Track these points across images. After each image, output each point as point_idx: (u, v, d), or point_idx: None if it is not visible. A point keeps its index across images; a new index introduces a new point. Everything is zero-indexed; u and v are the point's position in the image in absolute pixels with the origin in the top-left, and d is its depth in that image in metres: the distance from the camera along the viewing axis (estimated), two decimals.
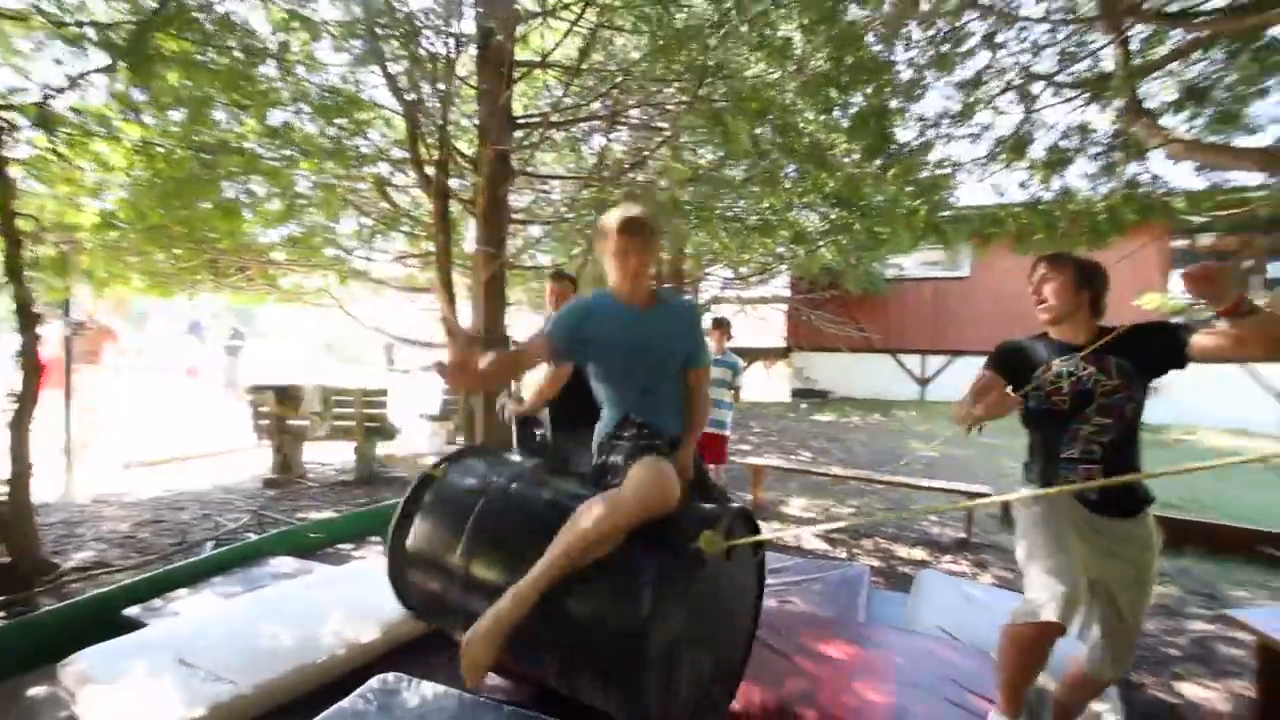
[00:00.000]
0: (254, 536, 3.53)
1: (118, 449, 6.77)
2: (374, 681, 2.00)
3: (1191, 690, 2.52)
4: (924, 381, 11.73)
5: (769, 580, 3.42)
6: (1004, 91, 4.05)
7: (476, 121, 5.99)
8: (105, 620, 2.52)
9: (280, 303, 7.74)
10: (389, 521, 1.97)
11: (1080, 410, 1.79)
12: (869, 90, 4.83)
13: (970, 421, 1.76)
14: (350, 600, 2.59)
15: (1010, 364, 1.89)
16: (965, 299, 11.28)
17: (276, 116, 4.29)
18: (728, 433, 4.77)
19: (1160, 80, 4.26)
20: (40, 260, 3.49)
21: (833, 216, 5.18)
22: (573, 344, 1.88)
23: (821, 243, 5.44)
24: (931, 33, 4.26)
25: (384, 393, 6.09)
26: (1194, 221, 3.97)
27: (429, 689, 1.99)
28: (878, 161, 4.88)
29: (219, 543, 3.60)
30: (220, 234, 4.66)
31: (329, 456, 6.75)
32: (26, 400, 2.94)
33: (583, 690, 1.65)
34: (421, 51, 5.02)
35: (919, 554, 4.30)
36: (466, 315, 6.12)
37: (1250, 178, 4.02)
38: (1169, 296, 6.43)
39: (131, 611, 2.61)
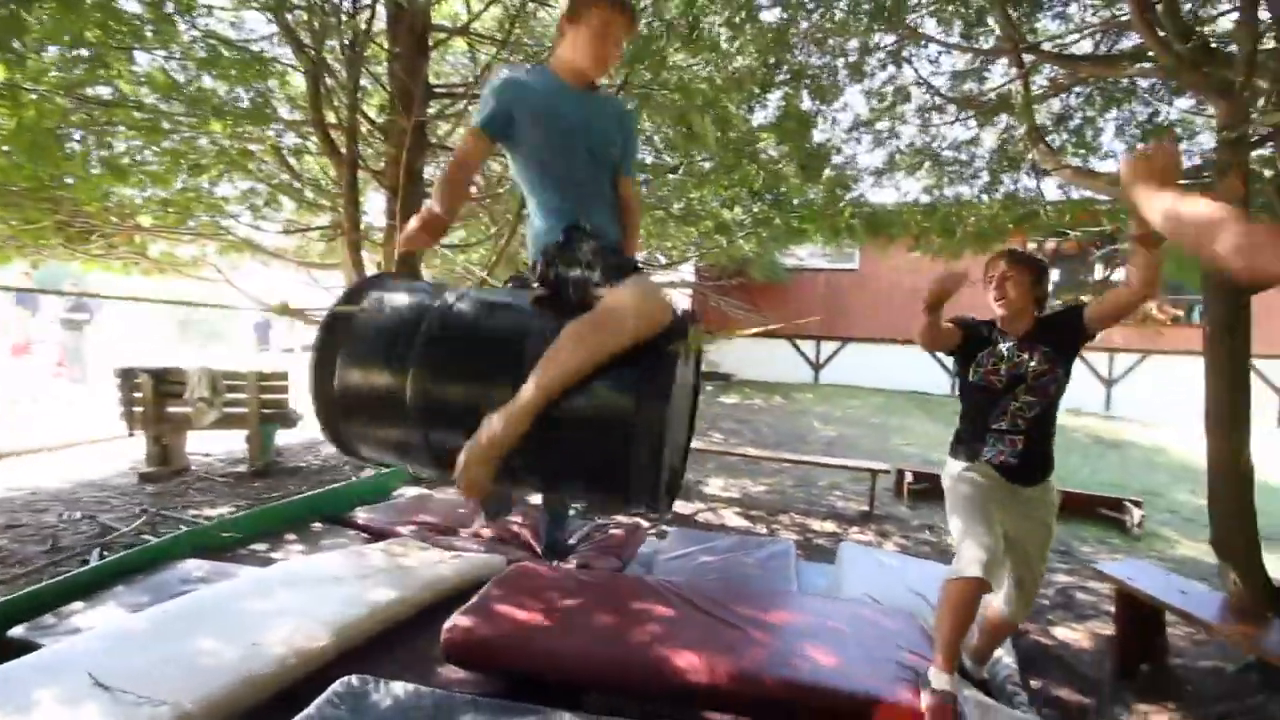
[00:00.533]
0: (152, 539, 3.17)
1: None
2: (338, 685, 1.91)
3: (1062, 633, 3.00)
4: (818, 366, 12.59)
5: (706, 558, 3.63)
6: (918, 112, 4.44)
7: (386, 86, 5.60)
8: None
9: (147, 274, 6.86)
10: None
11: (1012, 390, 2.12)
12: (789, 90, 5.09)
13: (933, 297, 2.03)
14: (289, 603, 2.42)
15: (968, 329, 2.21)
16: (855, 290, 12.22)
17: (145, 60, 3.74)
18: None
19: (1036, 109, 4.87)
20: None
21: (755, 209, 5.41)
22: (506, 116, 1.70)
23: (743, 234, 5.66)
24: (851, 44, 4.55)
25: (285, 376, 5.60)
26: (1069, 235, 4.58)
27: (399, 688, 1.93)
28: (794, 161, 5.16)
29: (106, 548, 3.19)
30: (85, 195, 4.03)
31: (212, 446, 6.11)
32: None
33: (565, 489, 1.69)
34: (325, 4, 4.60)
35: (830, 527, 4.68)
36: None
37: (1103, 195, 4.71)
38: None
39: (17, 632, 2.28)
